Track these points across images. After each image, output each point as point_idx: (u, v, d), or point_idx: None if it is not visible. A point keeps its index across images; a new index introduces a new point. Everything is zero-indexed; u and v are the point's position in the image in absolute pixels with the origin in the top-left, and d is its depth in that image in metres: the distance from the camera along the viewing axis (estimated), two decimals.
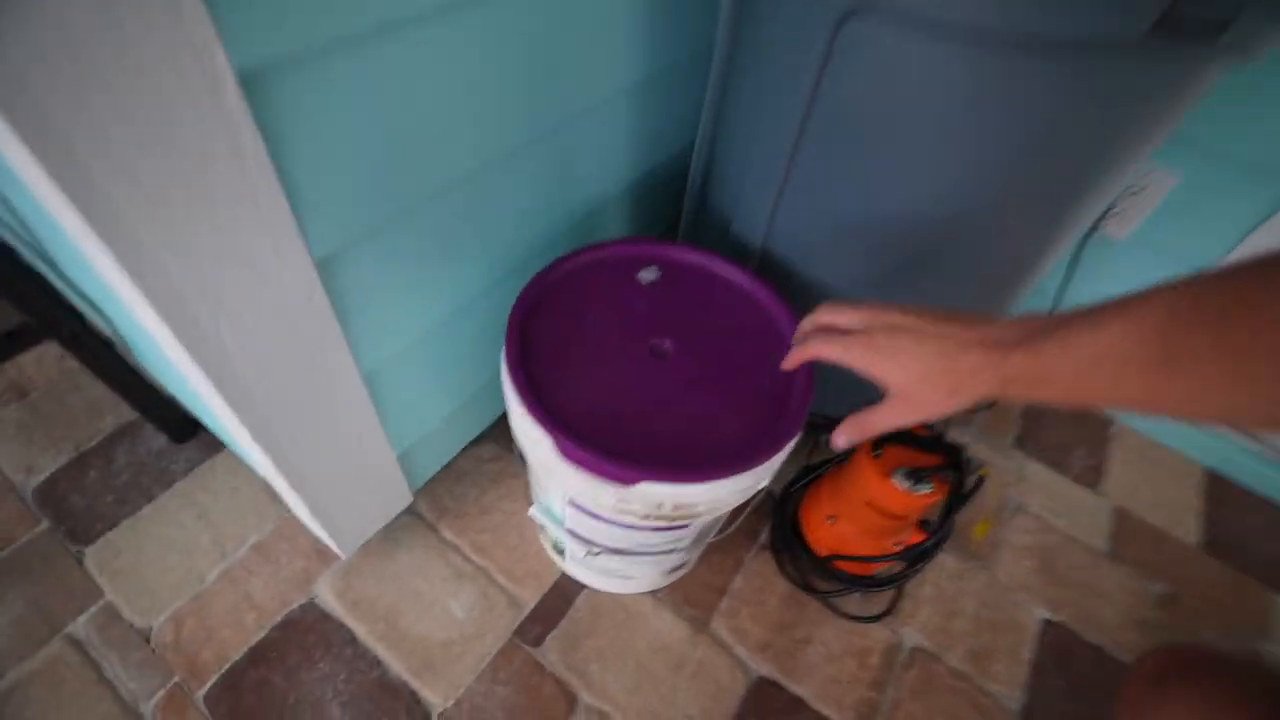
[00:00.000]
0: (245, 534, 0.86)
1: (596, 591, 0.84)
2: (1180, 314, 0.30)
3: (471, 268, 0.68)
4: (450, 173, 0.58)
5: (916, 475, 0.69)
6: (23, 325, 0.90)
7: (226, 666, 0.76)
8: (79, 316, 0.74)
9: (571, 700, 0.76)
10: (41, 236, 0.63)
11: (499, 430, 0.99)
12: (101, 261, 0.39)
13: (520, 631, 0.81)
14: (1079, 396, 0.34)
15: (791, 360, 0.54)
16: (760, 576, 0.88)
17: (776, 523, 0.91)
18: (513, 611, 0.82)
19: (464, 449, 0.96)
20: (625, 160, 0.82)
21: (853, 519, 0.78)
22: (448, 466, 0.94)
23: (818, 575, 0.87)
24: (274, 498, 0.89)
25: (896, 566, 0.81)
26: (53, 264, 0.69)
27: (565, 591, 0.84)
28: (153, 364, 0.81)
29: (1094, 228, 0.97)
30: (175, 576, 0.82)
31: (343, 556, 0.83)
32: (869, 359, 0.44)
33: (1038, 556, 0.94)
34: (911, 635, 0.85)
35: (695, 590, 0.86)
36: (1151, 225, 0.95)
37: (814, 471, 0.88)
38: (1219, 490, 1.06)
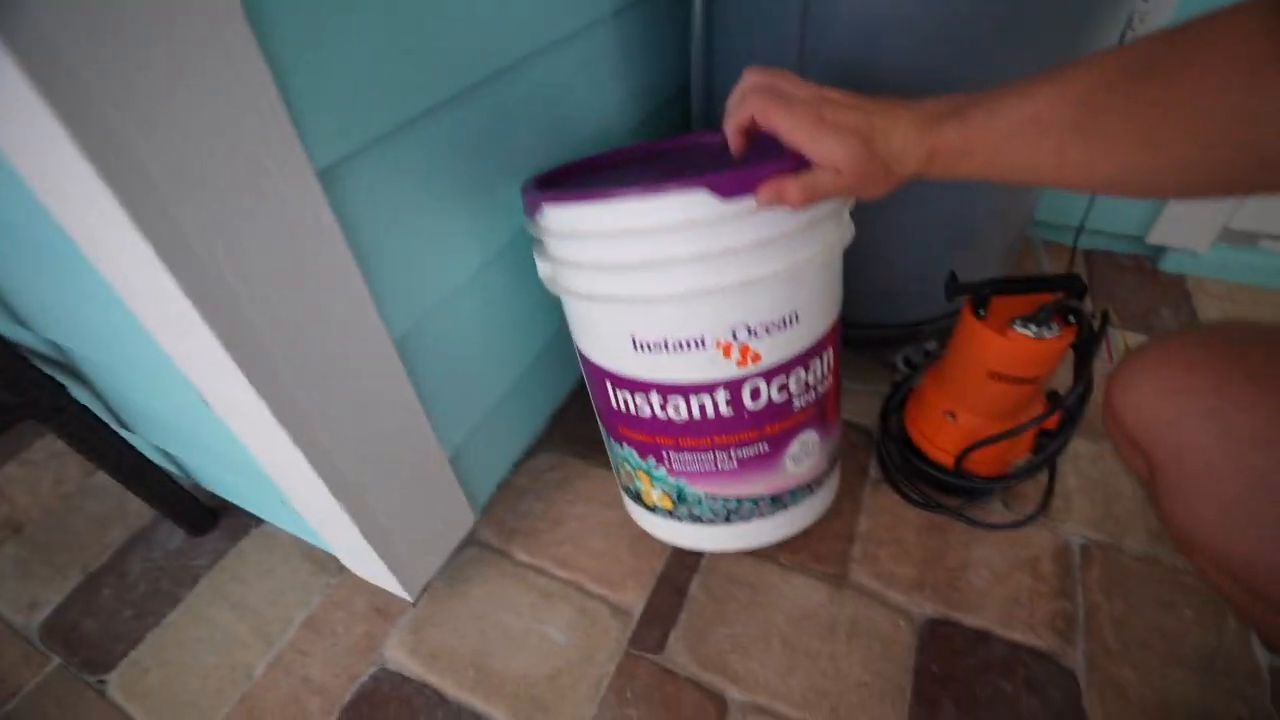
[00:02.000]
0: (290, 614, 0.73)
1: (713, 573, 0.72)
2: (1103, 76, 0.32)
3: (494, 205, 0.62)
4: (455, 80, 0.52)
5: (1038, 318, 0.61)
6: None
7: None
8: (59, 386, 0.65)
9: (720, 702, 0.62)
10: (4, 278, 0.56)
11: (552, 437, 0.88)
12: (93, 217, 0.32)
13: (636, 640, 0.68)
14: (996, 167, 0.37)
15: (733, 121, 0.45)
16: (886, 511, 0.76)
17: (884, 448, 0.80)
18: (620, 621, 0.69)
19: (518, 464, 0.85)
20: (635, 86, 0.80)
21: (975, 403, 0.68)
22: (505, 485, 0.83)
23: (949, 492, 0.76)
24: (318, 567, 0.77)
25: (1031, 457, 0.71)
26: (18, 319, 0.61)
27: (675, 582, 0.72)
28: (152, 420, 0.72)
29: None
30: (216, 680, 0.68)
31: (409, 599, 0.70)
32: (816, 134, 0.40)
33: None
34: (1076, 530, 0.73)
35: (820, 545, 0.73)
36: None
37: (906, 382, 0.79)
38: None
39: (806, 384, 0.58)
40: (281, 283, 0.42)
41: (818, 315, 0.56)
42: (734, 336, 0.52)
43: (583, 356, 0.61)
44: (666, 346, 0.53)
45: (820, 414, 0.62)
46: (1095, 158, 0.33)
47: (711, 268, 0.49)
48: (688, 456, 0.60)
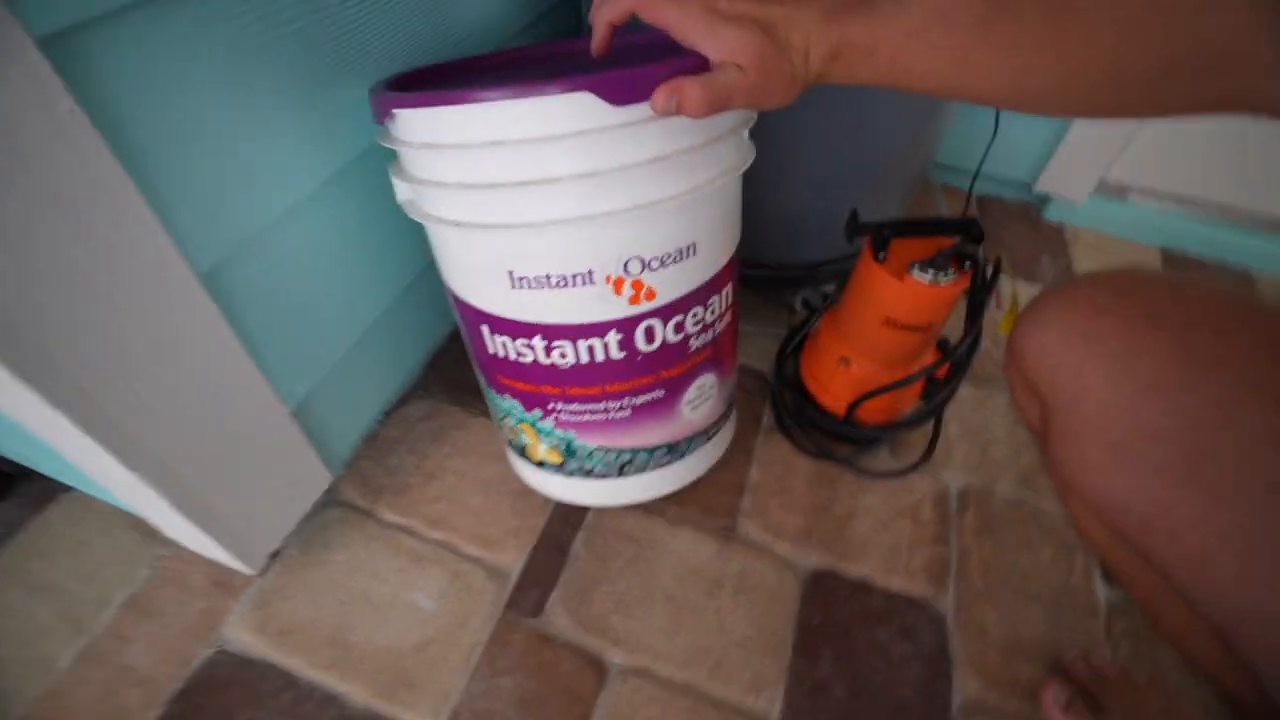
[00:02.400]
0: (108, 593, 0.63)
1: (597, 530, 0.68)
2: None
3: (338, 110, 0.51)
4: None
5: (936, 263, 0.58)
6: None
7: None
8: None
9: (599, 667, 0.60)
10: None
11: (427, 383, 0.80)
12: None
13: (512, 603, 0.63)
14: (897, 68, 0.34)
15: (606, 14, 0.39)
16: (778, 462, 0.75)
17: (777, 396, 0.78)
18: (496, 583, 0.64)
19: (387, 413, 0.76)
20: None
21: (869, 350, 0.66)
22: (372, 438, 0.74)
23: (840, 441, 0.75)
24: (144, 537, 0.66)
25: (920, 404, 0.71)
26: None
27: (557, 540, 0.67)
28: None
29: None
30: (8, 679, 0.58)
31: (251, 573, 0.61)
32: (712, 25, 0.35)
33: None
34: (955, 476, 0.74)
35: (709, 496, 0.71)
36: None
37: (803, 327, 0.76)
38: (1176, 265, 1.05)
39: (704, 323, 0.53)
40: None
41: (717, 246, 0.50)
42: (625, 270, 0.46)
43: (454, 296, 0.53)
44: (549, 282, 0.46)
45: (718, 355, 0.58)
46: (997, 60, 0.32)
47: (600, 188, 0.42)
48: (577, 406, 0.55)
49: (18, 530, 0.67)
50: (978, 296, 0.61)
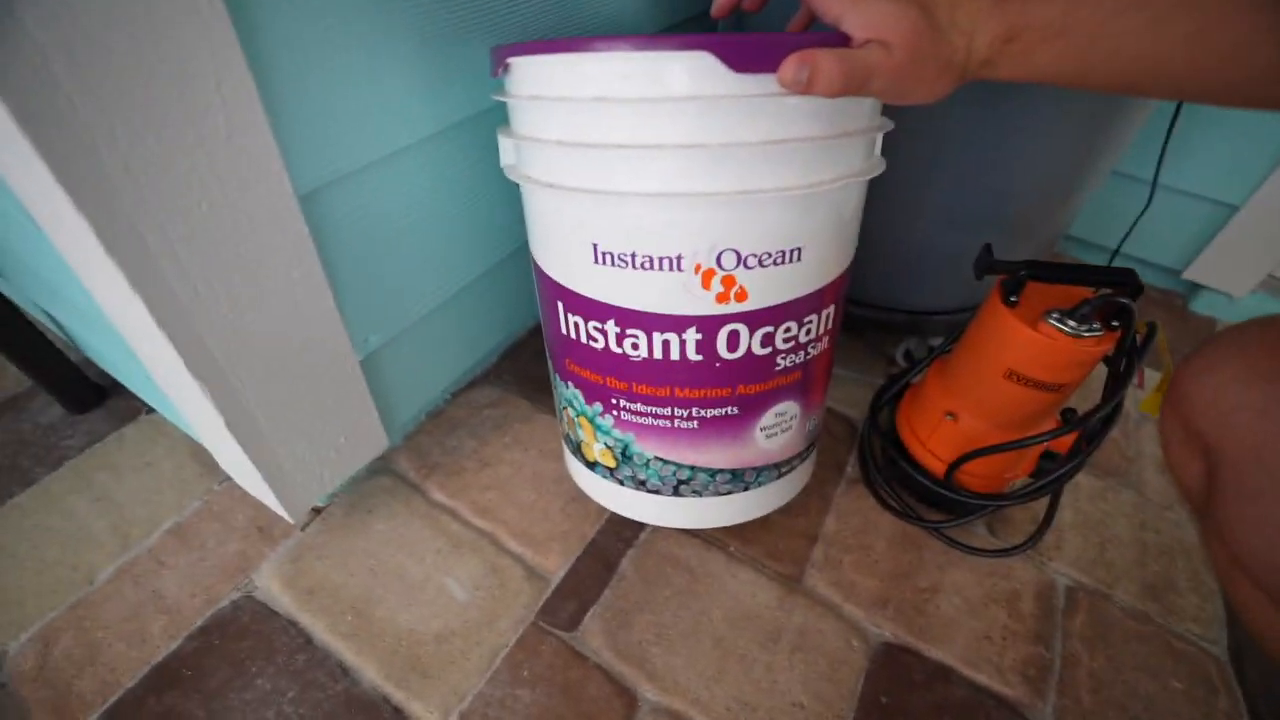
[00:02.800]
0: (159, 516, 0.63)
1: (650, 550, 0.62)
2: None
3: (461, 65, 0.51)
4: None
5: (1079, 313, 0.51)
6: None
7: (114, 698, 0.51)
8: None
9: (630, 699, 0.53)
10: None
11: (500, 372, 0.78)
12: None
13: (548, 611, 0.58)
14: (1098, 54, 0.30)
15: None
16: (858, 515, 0.67)
17: (867, 446, 0.71)
18: (534, 586, 0.60)
19: (455, 394, 0.75)
20: None
21: (983, 406, 0.58)
22: (436, 415, 0.72)
23: (933, 505, 0.67)
24: (205, 470, 0.67)
25: (1029, 482, 0.62)
26: None
27: (606, 553, 0.62)
28: (22, 267, 0.61)
29: None
30: (51, 579, 0.58)
31: (292, 523, 0.60)
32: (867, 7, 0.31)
33: None
34: (1063, 571, 0.64)
35: (777, 540, 0.64)
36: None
37: (906, 374, 0.69)
38: None
39: (797, 341, 0.48)
40: (125, 61, 0.31)
41: (826, 257, 0.45)
42: (718, 263, 0.42)
43: (537, 269, 0.50)
44: (633, 261, 0.42)
45: (806, 382, 0.52)
46: (1210, 23, 0.28)
47: (702, 163, 0.38)
48: (640, 407, 0.50)
49: (98, 440, 0.69)
50: (1124, 360, 0.53)
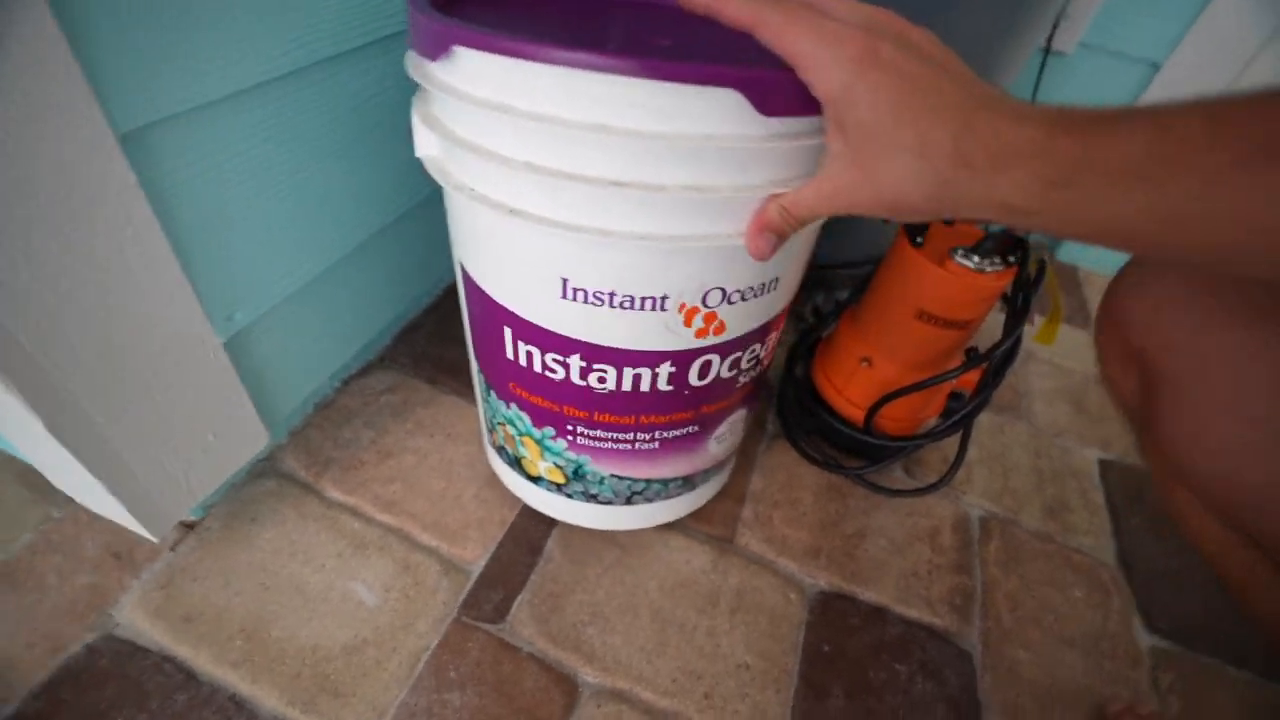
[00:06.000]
0: None
1: (575, 528, 0.59)
2: None
3: None
4: None
5: (981, 249, 0.52)
6: None
7: None
8: None
9: (570, 686, 0.50)
10: None
11: (395, 354, 0.71)
12: None
13: (471, 604, 0.53)
14: (1186, 205, 0.21)
15: (746, 15, 0.27)
16: (782, 470, 0.67)
17: (784, 399, 0.71)
18: (454, 580, 0.55)
19: (345, 380, 0.67)
20: None
21: (897, 348, 0.59)
22: (325, 405, 0.65)
23: (852, 452, 0.68)
24: (36, 494, 0.55)
25: (940, 422, 0.64)
26: None
27: (528, 536, 0.58)
28: None
29: (1048, 43, 0.90)
30: None
31: (157, 543, 0.51)
32: (865, 74, 0.25)
33: (1067, 399, 0.81)
34: (976, 502, 0.67)
35: (707, 504, 0.63)
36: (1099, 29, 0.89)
37: (818, 328, 0.69)
38: None
39: (758, 358, 0.46)
40: None
41: (793, 280, 0.44)
42: (704, 301, 0.38)
43: (470, 283, 0.43)
44: (610, 300, 0.37)
45: (755, 390, 0.51)
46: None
47: (712, 207, 0.33)
48: (601, 433, 0.46)
49: None
50: (1022, 294, 0.56)
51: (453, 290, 0.71)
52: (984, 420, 0.76)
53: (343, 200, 0.54)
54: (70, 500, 0.55)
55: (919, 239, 0.55)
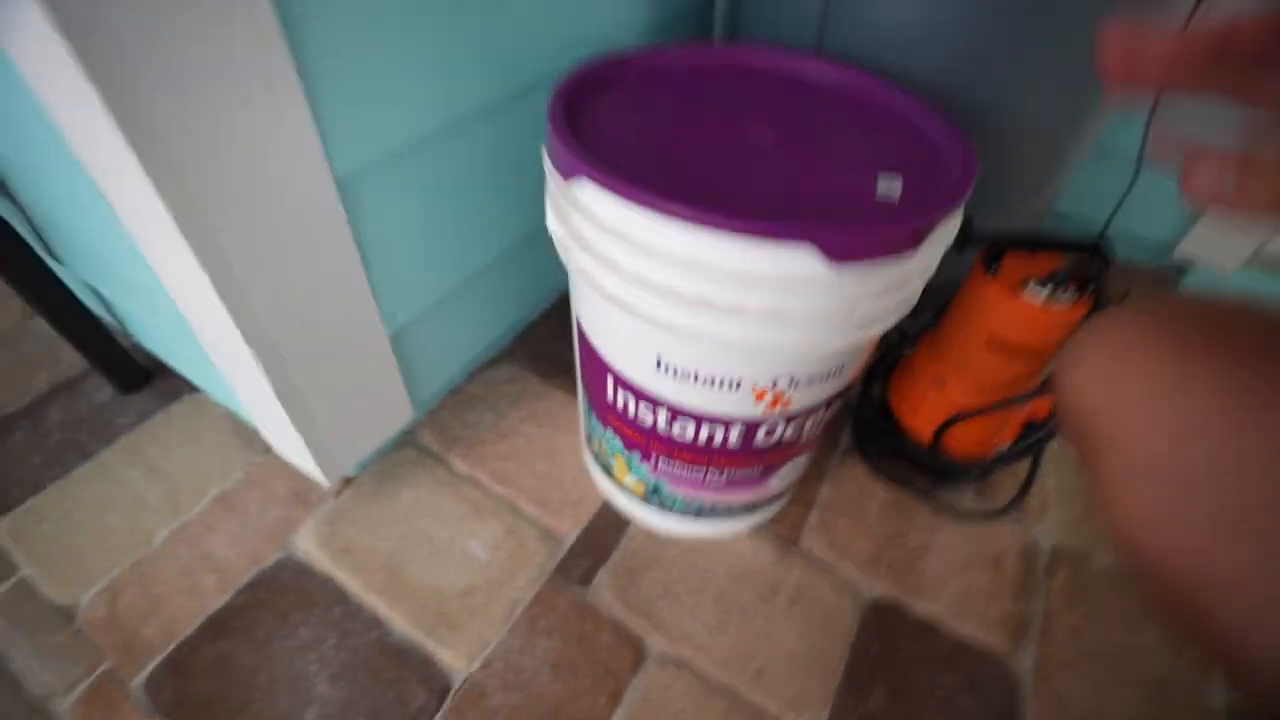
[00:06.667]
0: (205, 485, 0.68)
1: None
2: None
3: (481, 54, 0.54)
4: None
5: (1054, 280, 0.54)
6: None
7: (175, 643, 0.57)
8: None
9: (638, 648, 0.58)
10: None
11: (515, 352, 0.83)
12: None
13: (562, 570, 0.63)
14: None
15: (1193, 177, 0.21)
16: (851, 483, 0.71)
17: (860, 416, 0.75)
18: (549, 547, 0.65)
19: (473, 372, 0.80)
20: None
21: (968, 372, 0.62)
22: (456, 391, 0.77)
23: (922, 472, 0.71)
24: (244, 443, 0.72)
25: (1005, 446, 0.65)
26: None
27: (614, 519, 0.67)
28: (77, 246, 0.66)
29: None
30: (114, 540, 0.64)
31: (327, 485, 0.65)
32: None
33: None
34: (1047, 532, 0.68)
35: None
36: None
37: (897, 348, 0.73)
38: None
39: (822, 422, 0.53)
40: (189, 57, 0.36)
41: (856, 367, 0.50)
42: (773, 385, 0.45)
43: (583, 337, 0.52)
44: (695, 378, 0.45)
45: (818, 439, 0.57)
46: None
47: (784, 323, 0.39)
48: (678, 466, 0.55)
49: (147, 418, 0.75)
50: None
51: (564, 299, 0.81)
52: (1068, 454, 0.76)
53: (477, 226, 0.65)
54: (267, 449, 0.71)
55: (994, 268, 0.58)
